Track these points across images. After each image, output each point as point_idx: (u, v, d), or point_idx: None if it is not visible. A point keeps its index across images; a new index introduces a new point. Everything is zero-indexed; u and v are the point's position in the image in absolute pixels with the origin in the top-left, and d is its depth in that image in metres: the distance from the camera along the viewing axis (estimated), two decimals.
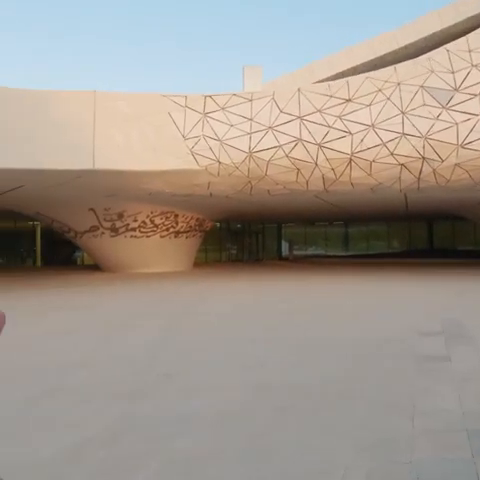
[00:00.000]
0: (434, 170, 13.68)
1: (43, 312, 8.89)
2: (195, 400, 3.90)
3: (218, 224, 31.84)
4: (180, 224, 20.31)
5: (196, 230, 22.06)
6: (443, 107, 13.05)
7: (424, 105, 13.17)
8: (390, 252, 33.50)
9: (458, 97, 12.99)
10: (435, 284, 14.14)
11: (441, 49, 13.71)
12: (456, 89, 13.05)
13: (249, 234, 34.23)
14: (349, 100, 13.53)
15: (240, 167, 14.09)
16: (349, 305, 9.41)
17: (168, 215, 19.26)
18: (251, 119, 13.78)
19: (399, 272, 18.92)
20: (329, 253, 35.17)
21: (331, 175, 14.25)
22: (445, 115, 13.03)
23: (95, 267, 21.25)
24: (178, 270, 21.01)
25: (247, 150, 13.81)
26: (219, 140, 13.79)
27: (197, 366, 4.99)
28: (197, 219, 21.44)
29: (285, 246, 36.52)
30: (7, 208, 18.12)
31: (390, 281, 15.37)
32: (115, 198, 16.32)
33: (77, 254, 28.79)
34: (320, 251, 36.32)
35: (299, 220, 33.72)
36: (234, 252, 33.50)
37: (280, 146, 13.71)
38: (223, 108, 13.80)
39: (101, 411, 3.67)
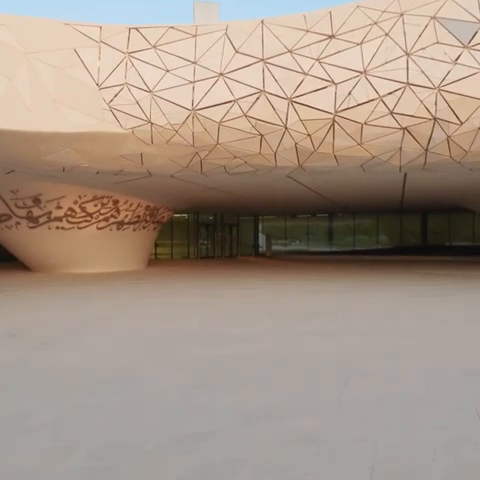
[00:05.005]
0: (449, 137, 9.87)
1: None
2: None
3: (186, 215, 28.01)
4: (123, 213, 16.28)
5: (147, 221, 18.04)
6: (464, 46, 9.24)
7: (437, 43, 9.32)
8: (379, 248, 29.97)
9: None
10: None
11: None
12: None
13: (222, 227, 30.27)
14: (332, 36, 9.62)
15: (181, 131, 10.12)
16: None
17: (104, 201, 15.21)
18: (195, 62, 9.80)
19: (404, 273, 15.21)
20: (311, 249, 31.47)
21: (307, 144, 10.36)
22: (466, 57, 9.21)
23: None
24: (125, 270, 17.05)
25: (189, 106, 9.84)
26: (150, 91, 9.79)
27: None
28: (147, 207, 17.42)
29: (263, 241, 32.75)
30: None
31: (392, 286, 11.59)
32: (18, 176, 12.19)
33: None
34: (302, 246, 32.64)
35: (277, 212, 29.90)
36: (205, 247, 29.55)
37: (235, 101, 9.76)
38: (155, 46, 9.79)
39: None
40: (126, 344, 5.40)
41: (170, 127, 10.03)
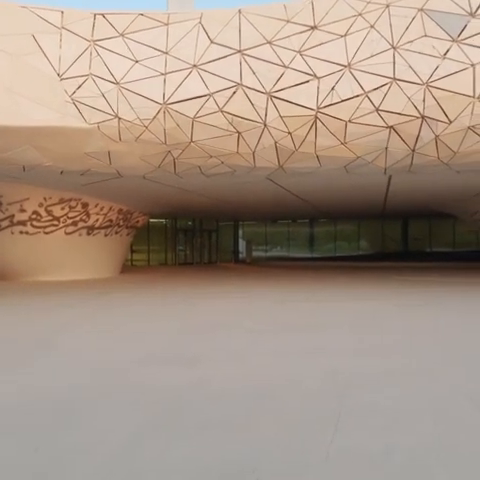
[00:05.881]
0: (437, 137, 9.32)
1: None
2: None
3: (164, 220, 27.14)
4: (93, 217, 15.34)
5: (120, 226, 17.13)
6: (453, 40, 8.70)
7: (425, 37, 8.78)
8: (361, 254, 29.55)
9: (476, 25, 8.65)
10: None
11: None
12: (472, 14, 8.71)
13: (201, 233, 29.41)
14: (314, 27, 8.99)
15: (151, 127, 9.33)
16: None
17: (72, 204, 14.25)
18: (166, 52, 9.04)
19: (388, 283, 14.63)
20: (292, 255, 30.86)
21: (288, 143, 9.67)
22: (456, 52, 8.68)
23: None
24: (96, 277, 16.10)
25: (160, 100, 9.06)
26: (117, 83, 8.98)
27: None
28: (120, 211, 16.51)
29: (243, 247, 32.02)
30: None
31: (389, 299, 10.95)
32: None
33: None
34: (283, 252, 32.01)
35: (258, 217, 29.22)
36: (183, 253, 28.65)
37: (210, 95, 9.02)
38: (123, 34, 9.00)
39: None
40: (73, 369, 4.55)
41: (139, 122, 9.23)
